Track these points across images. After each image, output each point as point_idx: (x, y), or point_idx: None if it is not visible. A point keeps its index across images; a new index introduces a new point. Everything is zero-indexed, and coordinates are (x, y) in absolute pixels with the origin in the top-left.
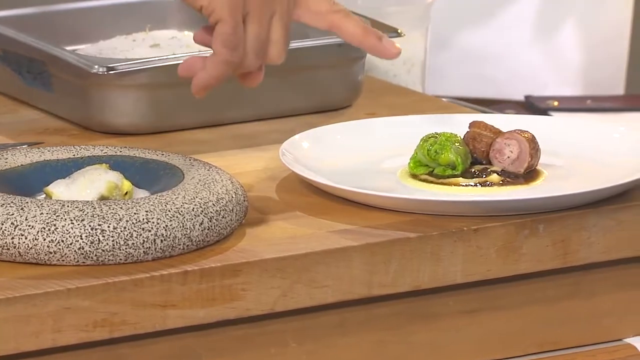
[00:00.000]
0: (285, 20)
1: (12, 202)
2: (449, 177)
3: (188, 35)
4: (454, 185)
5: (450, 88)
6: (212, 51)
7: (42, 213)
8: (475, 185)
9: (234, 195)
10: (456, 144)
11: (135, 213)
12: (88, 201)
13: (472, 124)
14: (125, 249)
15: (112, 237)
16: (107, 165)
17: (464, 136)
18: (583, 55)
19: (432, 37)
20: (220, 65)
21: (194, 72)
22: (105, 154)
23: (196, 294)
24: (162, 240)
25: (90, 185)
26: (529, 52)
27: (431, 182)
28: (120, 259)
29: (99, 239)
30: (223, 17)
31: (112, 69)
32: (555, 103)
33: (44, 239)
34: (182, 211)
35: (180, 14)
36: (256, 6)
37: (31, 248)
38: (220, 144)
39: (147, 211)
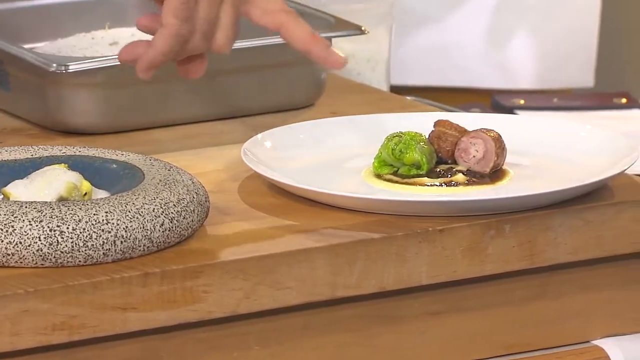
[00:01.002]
0: (236, 8)
1: None
2: (413, 176)
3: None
4: (419, 185)
5: (416, 77)
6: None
7: None
8: (441, 185)
9: (195, 196)
10: (421, 143)
11: (94, 214)
12: (47, 202)
13: (437, 123)
14: (85, 250)
15: (71, 238)
16: (66, 165)
17: (429, 135)
18: (551, 47)
19: (398, 26)
20: (169, 38)
21: (136, 55)
22: (64, 154)
23: (157, 296)
24: (122, 242)
25: (48, 185)
26: (497, 42)
27: (396, 182)
28: (80, 261)
29: (57, 240)
30: None
31: (71, 67)
32: (522, 101)
33: (2, 241)
34: (142, 212)
35: (140, 12)
36: None
37: None
38: (181, 143)
39: (106, 212)
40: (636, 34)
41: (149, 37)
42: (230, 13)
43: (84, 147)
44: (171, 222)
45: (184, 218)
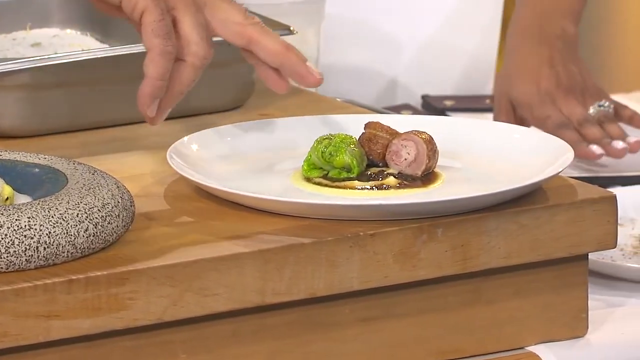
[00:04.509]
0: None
1: None
2: (344, 180)
3: (70, 33)
4: (350, 188)
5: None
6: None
7: None
8: (372, 188)
9: (120, 201)
10: (351, 146)
11: (16, 219)
12: None
13: (368, 125)
14: (7, 257)
15: None
16: None
17: (360, 137)
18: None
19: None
20: (160, 59)
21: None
22: None
23: (81, 304)
24: (45, 248)
25: None
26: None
27: (326, 185)
28: (2, 268)
29: None
30: (147, 6)
31: None
32: (453, 103)
33: None
34: (66, 217)
35: (62, 12)
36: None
37: None
38: (106, 146)
39: (29, 217)
40: None
41: (74, 37)
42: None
43: (5, 150)
44: (95, 227)
45: (108, 223)
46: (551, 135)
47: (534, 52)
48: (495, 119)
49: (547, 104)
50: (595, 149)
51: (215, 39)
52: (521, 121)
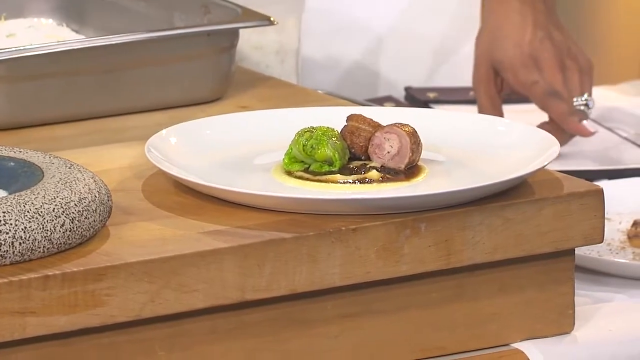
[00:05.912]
0: None
1: None
2: (325, 173)
3: (46, 24)
4: (331, 182)
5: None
6: None
7: None
8: (354, 182)
9: (97, 195)
10: (333, 139)
11: None
12: None
13: (350, 118)
14: None
15: None
16: None
17: (342, 130)
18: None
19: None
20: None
21: None
22: None
23: (57, 300)
24: (20, 243)
25: None
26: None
27: (307, 179)
28: None
29: None
30: None
31: None
32: (437, 95)
33: None
34: (42, 212)
35: (38, 2)
36: None
37: None
38: (82, 140)
39: (4, 212)
40: None
41: (50, 28)
42: None
43: None
44: (72, 222)
45: (85, 218)
46: (537, 128)
47: (516, 12)
48: (475, 84)
49: (531, 68)
50: (588, 125)
51: (191, 29)
52: (501, 86)
